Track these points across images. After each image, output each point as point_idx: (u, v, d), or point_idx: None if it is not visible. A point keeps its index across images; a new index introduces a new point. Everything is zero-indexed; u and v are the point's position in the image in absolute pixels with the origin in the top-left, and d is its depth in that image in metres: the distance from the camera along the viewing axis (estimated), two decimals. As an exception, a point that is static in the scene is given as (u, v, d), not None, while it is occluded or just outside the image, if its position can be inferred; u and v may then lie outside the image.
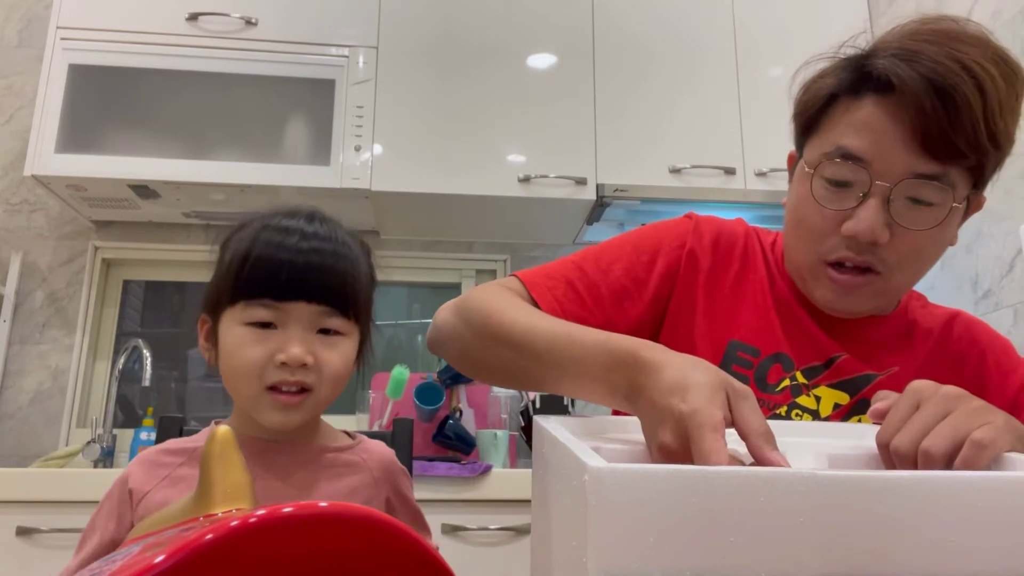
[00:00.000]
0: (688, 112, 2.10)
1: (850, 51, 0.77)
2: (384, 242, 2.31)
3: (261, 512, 0.30)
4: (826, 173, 0.74)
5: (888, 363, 0.82)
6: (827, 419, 0.80)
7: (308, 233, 0.75)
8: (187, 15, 2.02)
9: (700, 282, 0.84)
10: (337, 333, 0.76)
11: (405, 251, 2.32)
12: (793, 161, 0.84)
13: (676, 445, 0.50)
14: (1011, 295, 1.69)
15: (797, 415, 0.80)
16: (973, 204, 0.77)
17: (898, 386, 0.68)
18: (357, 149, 1.99)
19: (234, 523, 0.29)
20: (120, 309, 2.26)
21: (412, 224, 2.24)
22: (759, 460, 0.50)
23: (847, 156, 0.72)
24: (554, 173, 2.04)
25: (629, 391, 0.57)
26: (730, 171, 2.07)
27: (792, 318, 0.83)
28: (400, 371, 1.95)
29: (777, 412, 0.80)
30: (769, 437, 0.50)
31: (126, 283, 2.29)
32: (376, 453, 0.82)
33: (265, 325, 0.73)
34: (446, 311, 0.85)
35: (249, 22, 2.04)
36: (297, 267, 0.73)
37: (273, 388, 0.72)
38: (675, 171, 2.06)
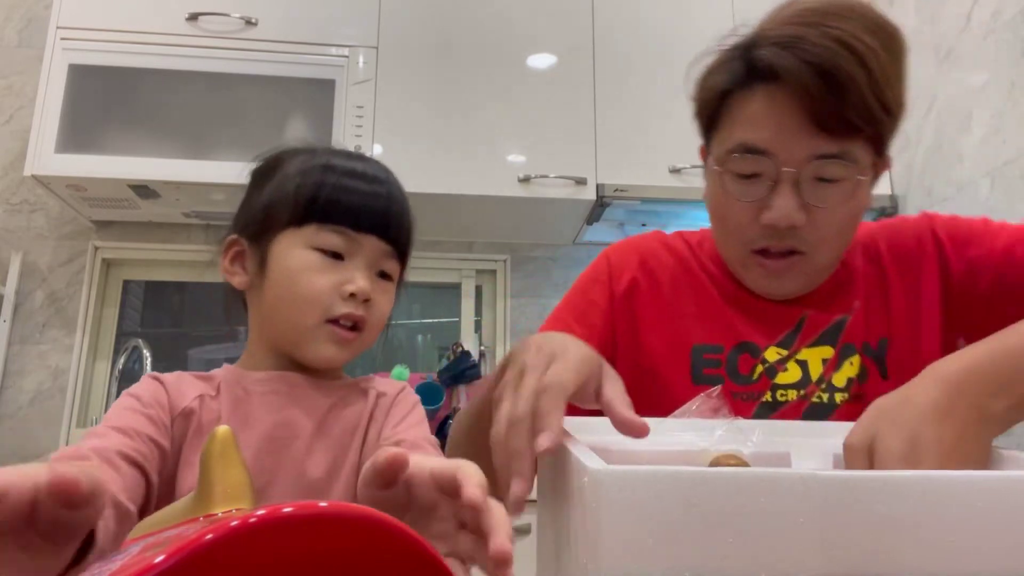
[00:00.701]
0: (688, 112, 2.09)
1: (733, 40, 0.78)
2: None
3: (261, 512, 0.30)
4: (733, 168, 0.76)
5: (848, 305, 0.83)
6: (820, 378, 0.80)
7: (379, 176, 0.75)
8: (187, 15, 2.02)
9: (639, 307, 0.86)
10: (389, 278, 0.75)
11: (405, 251, 2.32)
12: (704, 155, 0.86)
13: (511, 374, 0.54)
14: (1011, 295, 1.69)
15: (783, 395, 0.80)
16: (880, 168, 0.78)
17: (862, 320, 0.78)
18: (357, 149, 1.99)
19: (234, 523, 0.29)
20: (120, 309, 2.26)
21: (412, 224, 2.24)
22: (614, 419, 0.52)
23: (750, 150, 0.74)
24: (554, 173, 2.04)
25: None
26: (730, 171, 2.07)
27: (745, 305, 0.84)
28: (400, 371, 1.96)
29: (763, 400, 0.80)
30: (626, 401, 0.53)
31: (126, 283, 2.29)
32: (386, 383, 0.79)
33: (333, 256, 0.71)
34: None
35: (249, 22, 2.04)
36: (380, 199, 0.72)
37: (332, 322, 0.70)
38: (675, 171, 2.06)
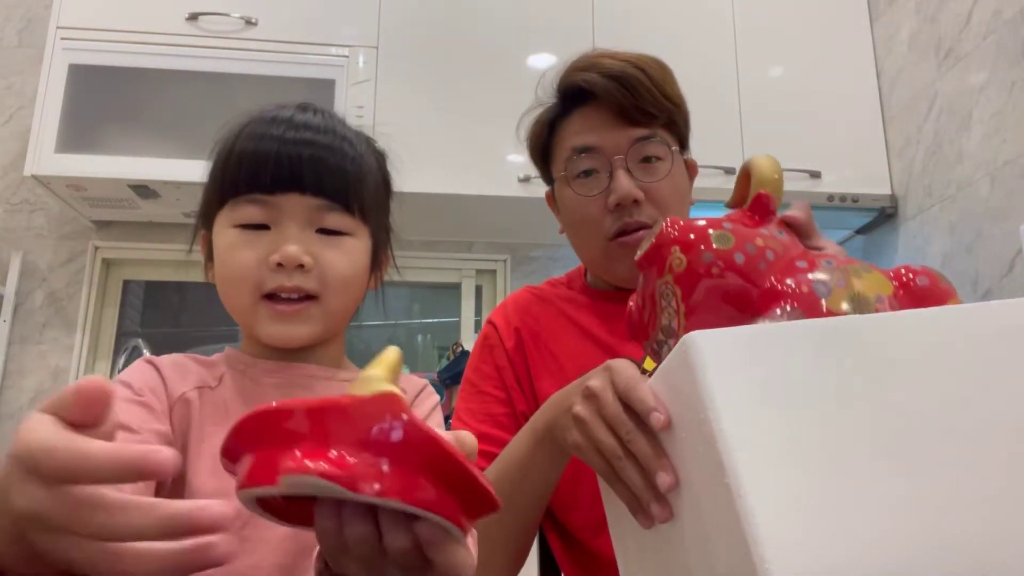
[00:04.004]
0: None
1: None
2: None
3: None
4: (573, 170, 0.92)
5: None
6: None
7: (298, 122, 0.67)
8: (187, 15, 2.02)
9: (529, 355, 0.94)
10: (340, 233, 0.67)
11: (405, 251, 2.31)
12: (550, 199, 1.02)
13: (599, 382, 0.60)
14: (1011, 295, 1.69)
15: None
16: (691, 167, 0.98)
17: None
18: (357, 149, 1.99)
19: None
20: (120, 309, 2.26)
21: (412, 224, 2.23)
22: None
23: (581, 150, 0.91)
24: (554, 173, 2.04)
25: (552, 421, 0.71)
26: (730, 171, 2.07)
27: (613, 321, 0.92)
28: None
29: None
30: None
31: (126, 283, 2.29)
32: (406, 381, 0.72)
33: (259, 228, 0.65)
34: None
35: (249, 22, 2.04)
36: (285, 156, 0.64)
37: (271, 297, 0.65)
38: (675, 171, 2.06)
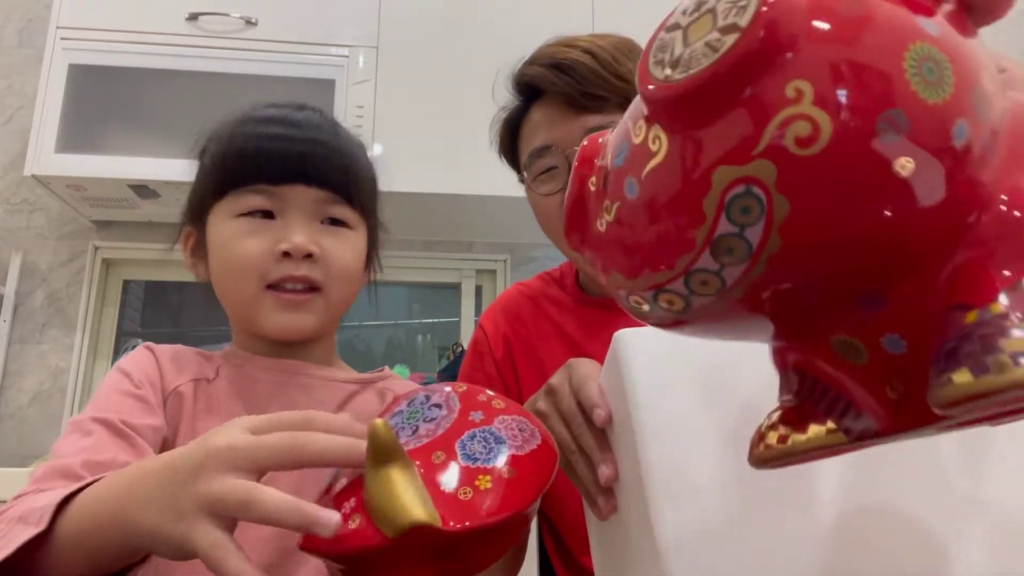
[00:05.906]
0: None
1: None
2: (384, 242, 2.30)
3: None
4: (533, 172, 0.88)
5: None
6: None
7: (300, 120, 0.67)
8: (187, 15, 2.02)
9: (517, 362, 0.93)
10: (344, 225, 0.67)
11: (405, 251, 2.32)
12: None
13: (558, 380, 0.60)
14: (1011, 295, 1.69)
15: None
16: None
17: None
18: (357, 149, 1.99)
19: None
20: (120, 309, 2.26)
21: (412, 224, 2.24)
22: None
23: (538, 152, 0.87)
24: (554, 173, 2.03)
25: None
26: (730, 171, 2.07)
27: (599, 324, 0.90)
28: (400, 371, 1.96)
29: None
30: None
31: (126, 283, 2.29)
32: (404, 386, 0.72)
33: (263, 217, 0.64)
34: None
35: (249, 22, 2.04)
36: (293, 149, 0.64)
37: (275, 288, 0.64)
38: (675, 171, 2.05)
